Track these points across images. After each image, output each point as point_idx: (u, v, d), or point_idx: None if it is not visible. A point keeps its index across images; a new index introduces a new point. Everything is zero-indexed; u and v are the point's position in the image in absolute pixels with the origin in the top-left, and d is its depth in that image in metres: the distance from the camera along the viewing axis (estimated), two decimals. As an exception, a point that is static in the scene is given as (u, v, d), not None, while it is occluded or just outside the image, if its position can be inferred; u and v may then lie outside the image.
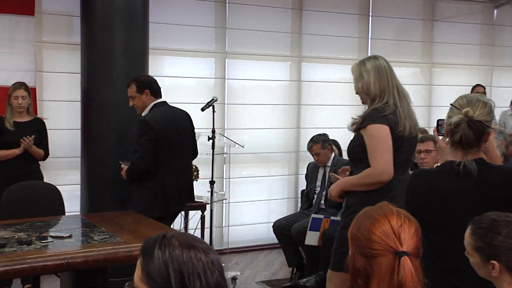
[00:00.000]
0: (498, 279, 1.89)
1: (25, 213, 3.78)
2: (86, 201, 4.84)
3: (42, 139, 4.52)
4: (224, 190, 5.92)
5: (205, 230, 4.96)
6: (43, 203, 4.06)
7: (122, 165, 4.12)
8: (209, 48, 6.00)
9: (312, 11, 6.37)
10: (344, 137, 4.45)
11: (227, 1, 6.00)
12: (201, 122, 5.46)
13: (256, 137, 6.20)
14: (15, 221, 3.54)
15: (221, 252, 5.86)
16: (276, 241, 5.23)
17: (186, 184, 4.20)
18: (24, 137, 4.34)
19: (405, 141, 2.93)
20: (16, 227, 3.38)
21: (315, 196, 5.16)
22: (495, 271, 1.87)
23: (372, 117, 2.90)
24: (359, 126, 2.95)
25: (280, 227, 5.05)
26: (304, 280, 4.65)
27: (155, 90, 4.13)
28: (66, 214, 4.14)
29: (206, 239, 4.74)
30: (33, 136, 4.38)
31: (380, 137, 2.86)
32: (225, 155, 5.79)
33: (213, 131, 4.68)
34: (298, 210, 5.62)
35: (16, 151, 4.38)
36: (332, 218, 4.67)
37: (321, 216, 4.70)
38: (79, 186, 4.96)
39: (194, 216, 5.18)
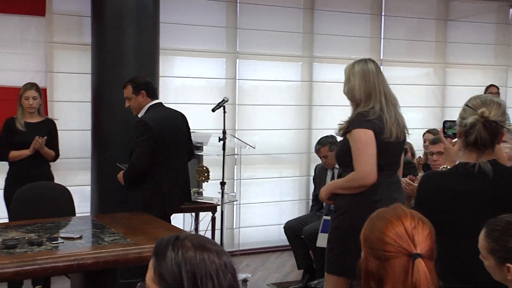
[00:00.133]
0: (514, 282, 1.85)
1: (36, 214, 3.80)
2: (97, 202, 4.84)
3: (52, 140, 4.52)
4: (235, 191, 5.89)
5: (216, 231, 4.94)
6: (53, 204, 4.07)
7: (120, 167, 4.16)
8: (220, 48, 5.98)
9: (324, 11, 6.34)
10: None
11: (238, 1, 5.98)
12: (211, 123, 5.45)
13: (267, 138, 6.17)
14: (26, 222, 3.55)
15: (232, 254, 5.83)
16: (287, 243, 5.20)
17: (184, 185, 4.24)
18: (36, 137, 4.33)
19: (391, 146, 2.95)
20: (26, 228, 3.39)
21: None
22: (511, 274, 1.84)
23: (357, 121, 2.92)
24: (345, 130, 2.97)
25: (291, 228, 5.04)
26: (315, 282, 4.63)
27: (151, 91, 4.15)
28: (77, 215, 4.14)
29: (217, 240, 4.72)
30: (45, 137, 4.38)
31: (364, 141, 2.89)
32: (236, 156, 5.77)
33: (224, 132, 4.66)
34: (309, 211, 5.59)
35: (26, 152, 4.37)
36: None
37: (333, 218, 4.65)
38: (89, 187, 4.96)
39: (205, 217, 5.15)
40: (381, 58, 6.68)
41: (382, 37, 6.68)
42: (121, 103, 4.63)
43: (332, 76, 6.38)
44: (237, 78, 6.05)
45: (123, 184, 4.15)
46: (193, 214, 5.08)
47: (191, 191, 4.88)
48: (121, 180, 4.14)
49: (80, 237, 3.16)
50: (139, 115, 4.11)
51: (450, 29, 7.02)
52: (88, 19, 4.97)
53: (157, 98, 4.20)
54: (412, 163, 4.83)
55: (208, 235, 4.95)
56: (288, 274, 5.41)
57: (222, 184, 4.73)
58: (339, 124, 3.04)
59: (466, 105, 2.25)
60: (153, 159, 3.97)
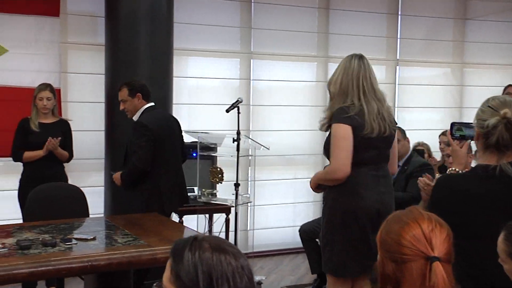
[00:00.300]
0: (535, 287, 1.80)
1: (50, 214, 3.81)
2: (110, 203, 4.84)
3: (66, 140, 4.53)
4: (249, 192, 5.85)
5: (230, 233, 4.92)
6: (67, 204, 4.08)
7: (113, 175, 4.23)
8: (234, 48, 5.96)
9: (339, 10, 6.29)
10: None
11: (252, 1, 5.95)
12: (225, 124, 5.42)
13: (281, 139, 6.13)
14: (40, 223, 3.56)
15: (246, 256, 5.79)
16: (301, 245, 5.14)
17: (182, 185, 4.31)
18: (50, 138, 4.34)
19: (373, 140, 3.00)
20: (40, 228, 3.40)
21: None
22: (532, 279, 1.79)
23: (337, 117, 3.00)
24: (329, 124, 3.06)
25: (306, 231, 4.97)
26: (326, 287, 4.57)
27: (146, 94, 4.20)
28: (90, 216, 4.14)
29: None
30: (59, 138, 4.39)
31: (339, 136, 2.97)
32: (250, 157, 5.73)
33: (238, 133, 4.63)
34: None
35: (40, 153, 4.38)
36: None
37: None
38: (103, 188, 4.96)
39: (219, 219, 5.13)
40: (398, 58, 6.61)
41: (398, 36, 6.60)
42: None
43: (347, 76, 6.32)
44: (251, 78, 6.02)
45: (120, 185, 4.19)
46: (207, 215, 5.07)
47: (205, 192, 4.88)
48: (117, 181, 4.19)
49: (94, 238, 3.15)
50: (134, 118, 4.17)
51: (468, 28, 6.93)
52: (102, 19, 4.98)
53: (151, 101, 4.23)
54: (429, 164, 4.76)
55: (222, 236, 4.92)
56: (302, 277, 5.36)
57: (236, 185, 4.70)
58: (319, 121, 3.15)
59: (488, 106, 2.21)
60: (152, 160, 4.03)
